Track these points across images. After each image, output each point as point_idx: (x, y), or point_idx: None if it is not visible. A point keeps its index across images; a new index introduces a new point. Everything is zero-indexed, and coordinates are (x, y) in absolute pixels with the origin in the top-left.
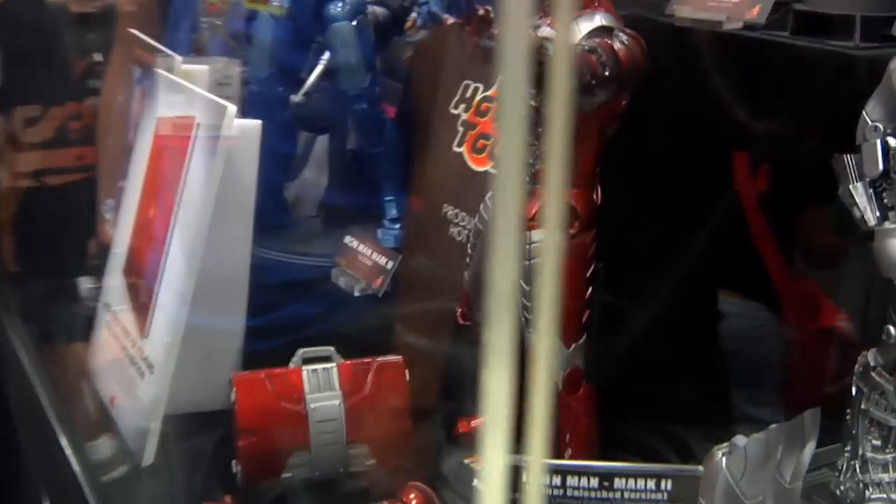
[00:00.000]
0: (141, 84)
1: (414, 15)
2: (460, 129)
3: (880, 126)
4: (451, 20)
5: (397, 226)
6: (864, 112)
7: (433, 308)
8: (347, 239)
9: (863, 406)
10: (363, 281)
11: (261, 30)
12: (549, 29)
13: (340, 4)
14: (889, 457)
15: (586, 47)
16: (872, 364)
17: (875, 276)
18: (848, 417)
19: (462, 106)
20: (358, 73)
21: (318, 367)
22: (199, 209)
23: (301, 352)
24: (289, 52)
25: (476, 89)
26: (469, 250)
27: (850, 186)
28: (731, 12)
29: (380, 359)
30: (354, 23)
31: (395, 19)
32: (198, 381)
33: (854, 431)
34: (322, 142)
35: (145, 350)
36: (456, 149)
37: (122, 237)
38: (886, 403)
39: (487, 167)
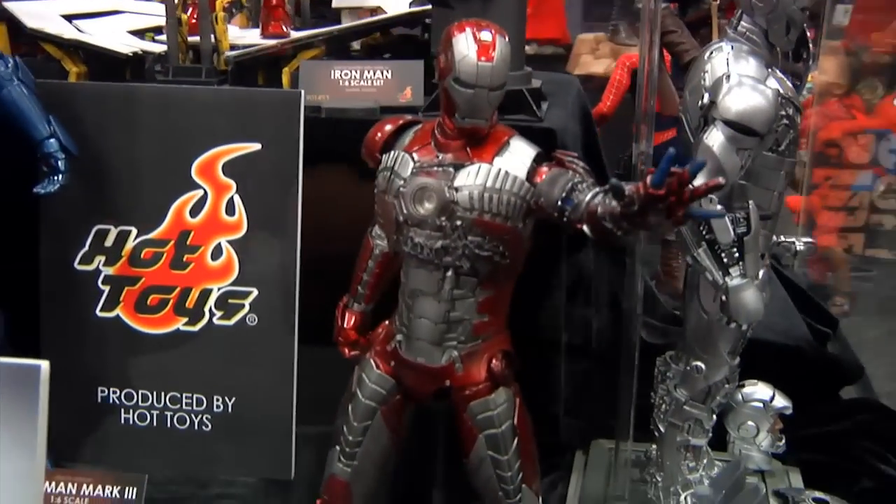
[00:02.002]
0: None
1: None
2: (104, 287)
3: (714, 198)
4: None
5: None
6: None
7: None
8: None
9: (678, 438)
10: None
11: None
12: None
13: None
14: (702, 472)
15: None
16: (683, 400)
17: (688, 319)
18: (656, 452)
19: (100, 259)
20: None
21: None
22: None
23: None
24: None
25: (124, 234)
26: (348, 447)
27: (695, 254)
28: (379, 97)
29: None
30: None
31: None
32: None
33: (668, 463)
34: None
35: None
36: (102, 314)
37: None
38: (701, 430)
39: (177, 326)
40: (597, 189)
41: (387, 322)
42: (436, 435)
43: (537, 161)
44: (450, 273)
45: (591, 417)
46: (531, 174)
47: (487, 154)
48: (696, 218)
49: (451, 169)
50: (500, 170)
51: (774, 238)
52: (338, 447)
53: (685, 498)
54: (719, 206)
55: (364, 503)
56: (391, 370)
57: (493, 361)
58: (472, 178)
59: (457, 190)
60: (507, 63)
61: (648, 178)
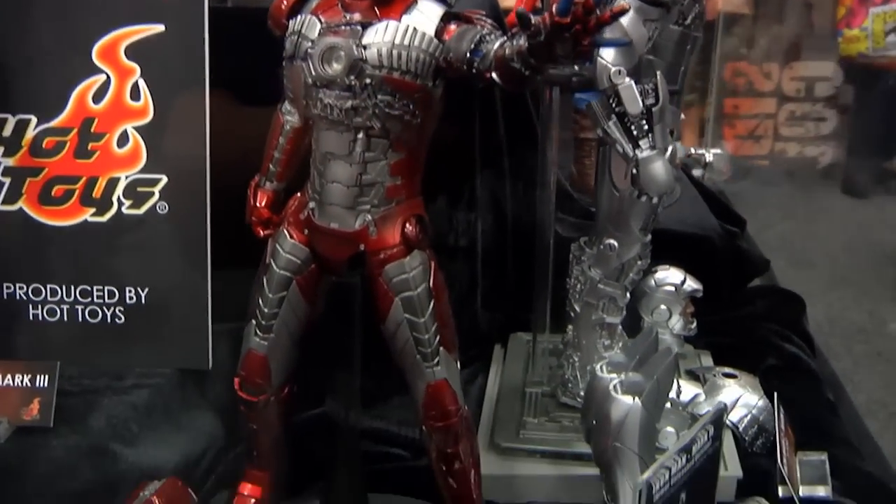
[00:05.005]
0: None
1: None
2: (4, 179)
3: (623, 69)
4: None
5: None
6: (598, 59)
7: None
8: None
9: (593, 317)
10: (3, 419)
11: None
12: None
13: None
14: (617, 350)
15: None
16: (597, 279)
17: (600, 200)
18: (572, 333)
19: None
20: None
21: None
22: None
23: None
24: None
25: (23, 123)
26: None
27: (605, 126)
28: None
29: None
30: None
31: None
32: None
33: (584, 342)
34: None
35: None
36: (4, 207)
37: None
38: (615, 308)
39: (84, 217)
40: (504, 38)
41: (298, 194)
42: (352, 306)
43: (445, 19)
44: (361, 135)
45: (508, 311)
46: (440, 32)
47: (395, 12)
48: (603, 46)
49: (359, 27)
50: (408, 27)
51: (684, 150)
52: (254, 321)
53: (601, 366)
54: (627, 79)
55: (282, 376)
56: (305, 239)
57: (407, 225)
58: (380, 36)
59: (365, 48)
60: None
61: (554, 7)
